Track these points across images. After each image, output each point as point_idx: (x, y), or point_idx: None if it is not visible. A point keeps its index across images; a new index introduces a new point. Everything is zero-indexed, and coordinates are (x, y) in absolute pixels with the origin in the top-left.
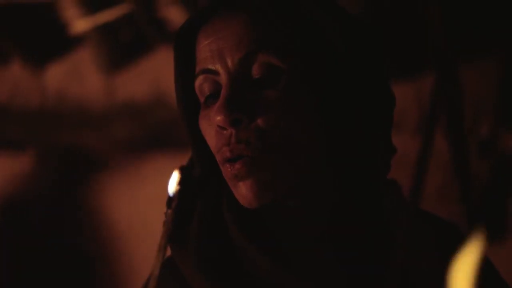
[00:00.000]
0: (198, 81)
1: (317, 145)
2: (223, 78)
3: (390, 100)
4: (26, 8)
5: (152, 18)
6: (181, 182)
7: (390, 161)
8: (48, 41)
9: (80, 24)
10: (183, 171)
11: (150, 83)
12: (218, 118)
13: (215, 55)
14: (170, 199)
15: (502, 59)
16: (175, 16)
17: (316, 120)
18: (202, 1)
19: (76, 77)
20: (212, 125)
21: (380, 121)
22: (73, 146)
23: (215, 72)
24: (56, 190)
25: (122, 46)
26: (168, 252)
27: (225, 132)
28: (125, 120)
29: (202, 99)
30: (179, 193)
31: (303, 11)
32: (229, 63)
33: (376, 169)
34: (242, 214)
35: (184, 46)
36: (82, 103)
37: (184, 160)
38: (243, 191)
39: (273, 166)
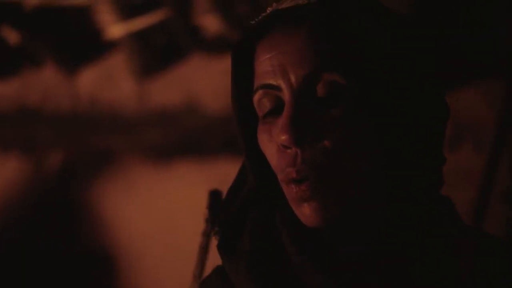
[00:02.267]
0: (258, 96)
1: (377, 162)
2: (286, 95)
3: (444, 111)
4: (61, 11)
5: (187, 25)
6: (210, 207)
7: (442, 173)
8: (82, 46)
9: (114, 29)
10: (213, 196)
11: (182, 90)
12: (283, 137)
13: (277, 70)
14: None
15: None
16: (211, 23)
17: (375, 136)
18: (241, 11)
19: (109, 82)
20: (273, 141)
21: (435, 133)
22: (102, 151)
23: (277, 88)
24: (82, 193)
25: (155, 53)
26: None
27: (289, 151)
28: (155, 127)
29: (260, 113)
30: (209, 217)
31: (359, 25)
32: (293, 79)
33: (428, 183)
34: (295, 228)
35: (241, 58)
36: (114, 108)
37: (209, 169)
38: (307, 212)
39: (338, 186)
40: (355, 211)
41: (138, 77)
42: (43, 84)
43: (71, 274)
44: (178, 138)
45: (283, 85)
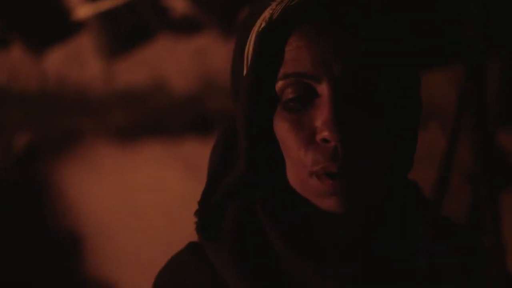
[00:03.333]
0: (285, 82)
1: (390, 156)
2: (325, 87)
3: (420, 99)
4: None
5: (154, 6)
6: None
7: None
8: (49, 26)
9: (82, 10)
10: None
11: (149, 70)
12: (326, 133)
13: (317, 60)
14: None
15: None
16: (178, 4)
17: (390, 132)
18: None
19: (76, 62)
20: (301, 132)
21: (416, 120)
22: (69, 131)
23: (315, 78)
24: (49, 173)
25: (123, 33)
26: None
27: (328, 145)
28: (122, 107)
29: (283, 99)
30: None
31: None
32: (336, 72)
33: (405, 170)
34: (281, 219)
35: (271, 39)
36: (81, 89)
37: (176, 149)
38: (332, 205)
39: (367, 183)
40: (366, 203)
41: (105, 58)
42: (10, 65)
43: (38, 254)
44: (145, 118)
45: (323, 77)
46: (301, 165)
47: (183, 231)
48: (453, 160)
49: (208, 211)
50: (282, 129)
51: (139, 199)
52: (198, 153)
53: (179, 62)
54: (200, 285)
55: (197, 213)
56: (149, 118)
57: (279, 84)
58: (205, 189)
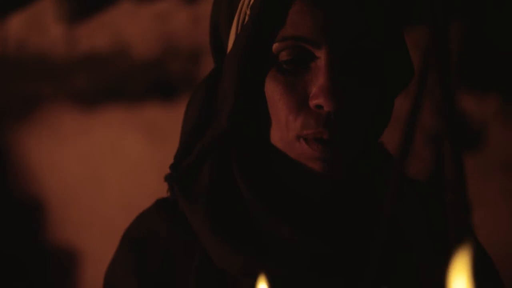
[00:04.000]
0: (284, 44)
1: (372, 122)
2: (324, 54)
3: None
4: None
5: None
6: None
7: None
8: None
9: None
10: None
11: (111, 35)
12: (321, 100)
13: (319, 25)
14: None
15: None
16: None
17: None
18: None
19: (37, 27)
20: (295, 94)
21: (402, 90)
22: (30, 96)
23: (315, 44)
24: (9, 138)
25: None
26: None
27: (321, 111)
28: (83, 72)
29: (278, 61)
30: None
31: None
32: (337, 40)
33: (380, 132)
34: (252, 170)
35: (274, 2)
36: (42, 53)
37: (137, 114)
38: (317, 168)
39: (354, 150)
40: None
41: (67, 22)
42: None
43: None
44: (106, 83)
45: (323, 43)
46: (289, 127)
47: (145, 195)
48: (417, 121)
49: (184, 167)
50: (274, 90)
51: (101, 164)
52: (160, 117)
53: (141, 26)
54: (170, 240)
55: (172, 167)
56: (111, 82)
57: (276, 46)
58: (181, 146)
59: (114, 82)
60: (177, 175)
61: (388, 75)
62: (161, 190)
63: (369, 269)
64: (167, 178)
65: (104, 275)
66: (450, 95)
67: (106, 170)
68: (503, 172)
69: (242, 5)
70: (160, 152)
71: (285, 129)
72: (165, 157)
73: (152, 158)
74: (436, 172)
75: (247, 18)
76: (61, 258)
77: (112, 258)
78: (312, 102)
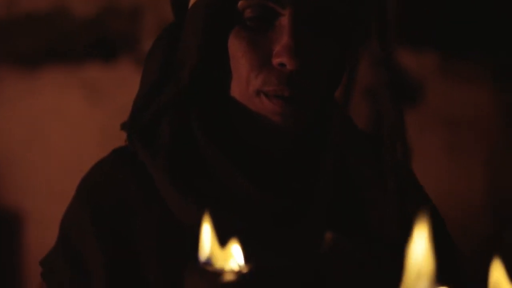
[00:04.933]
0: (248, 2)
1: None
2: (288, 14)
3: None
4: None
5: None
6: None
7: None
8: None
9: None
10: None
11: None
12: (285, 59)
13: None
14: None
15: None
16: None
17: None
18: None
19: None
20: (259, 52)
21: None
22: None
23: (279, 2)
24: None
25: None
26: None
27: (283, 69)
28: (23, 32)
29: (243, 18)
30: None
31: None
32: (301, 0)
33: (334, 88)
34: (212, 128)
35: None
36: None
37: (79, 73)
38: (277, 121)
39: (311, 107)
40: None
41: None
42: None
43: None
44: (47, 43)
45: (288, 2)
46: (249, 83)
47: (87, 156)
48: (356, 76)
49: (143, 120)
50: (238, 47)
51: (43, 126)
52: (101, 77)
53: None
54: (128, 187)
55: (130, 118)
56: (51, 43)
57: (241, 3)
58: (139, 98)
59: (54, 43)
60: (136, 126)
61: (346, 34)
62: (103, 150)
63: (314, 209)
64: (125, 127)
65: (59, 224)
66: (388, 50)
67: (48, 132)
68: (443, 126)
69: None
70: (101, 112)
71: (245, 84)
72: (106, 117)
73: (93, 118)
74: (375, 124)
75: None
76: (4, 220)
77: (67, 206)
78: (275, 60)
